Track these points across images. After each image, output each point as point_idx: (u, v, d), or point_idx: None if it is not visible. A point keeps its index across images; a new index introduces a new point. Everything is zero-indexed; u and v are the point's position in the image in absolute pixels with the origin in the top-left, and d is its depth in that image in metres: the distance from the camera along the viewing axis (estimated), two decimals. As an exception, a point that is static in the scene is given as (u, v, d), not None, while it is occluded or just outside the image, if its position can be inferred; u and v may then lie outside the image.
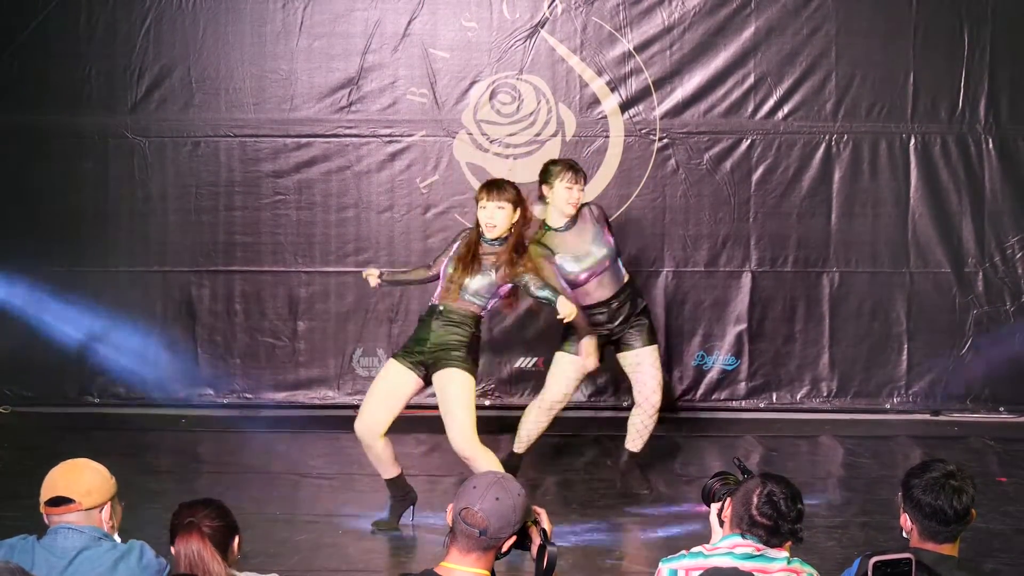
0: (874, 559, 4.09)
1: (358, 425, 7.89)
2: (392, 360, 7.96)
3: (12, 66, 10.49)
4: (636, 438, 8.75)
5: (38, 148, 10.51)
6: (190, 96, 10.53)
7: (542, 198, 8.48)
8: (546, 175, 8.46)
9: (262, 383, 10.62)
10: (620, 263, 8.67)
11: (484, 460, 7.66)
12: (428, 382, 7.88)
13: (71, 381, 10.60)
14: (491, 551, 4.45)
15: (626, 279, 8.67)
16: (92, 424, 10.13)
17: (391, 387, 7.86)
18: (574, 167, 8.47)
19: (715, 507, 5.00)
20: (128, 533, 5.24)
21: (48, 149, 10.50)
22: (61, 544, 4.84)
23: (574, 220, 8.46)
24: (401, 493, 8.04)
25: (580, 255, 8.43)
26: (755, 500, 4.80)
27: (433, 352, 7.79)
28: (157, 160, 10.53)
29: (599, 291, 8.53)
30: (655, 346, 8.77)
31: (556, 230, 8.44)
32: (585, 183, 8.59)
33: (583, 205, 8.52)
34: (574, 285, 8.39)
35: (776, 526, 4.79)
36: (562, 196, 8.39)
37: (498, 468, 7.49)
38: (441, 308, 7.83)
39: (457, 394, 7.72)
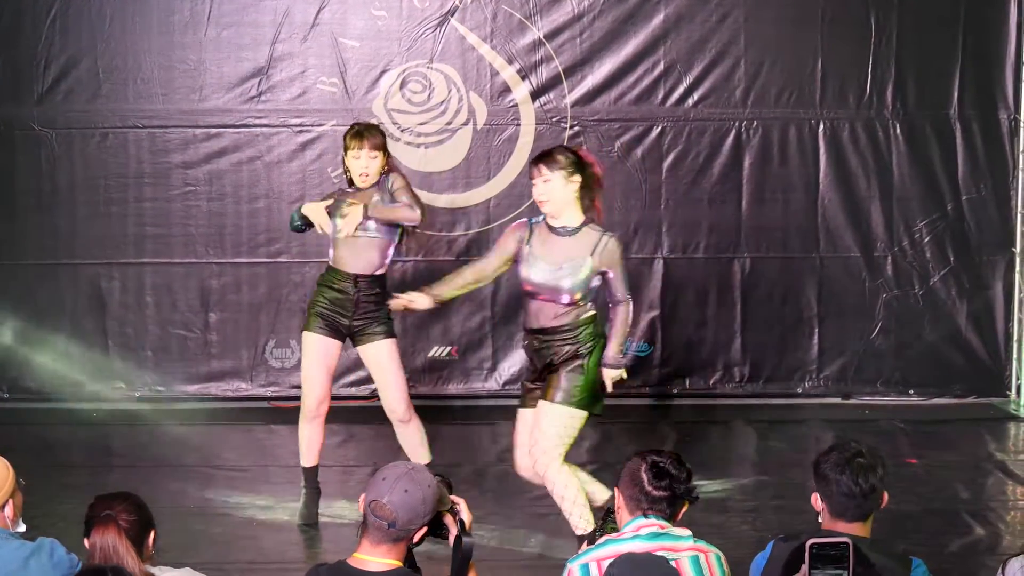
0: (810, 542, 4.12)
1: (309, 402, 7.87)
2: (311, 334, 7.89)
3: (-85, 58, 10.37)
4: None
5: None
6: (97, 87, 10.43)
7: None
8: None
9: (174, 376, 10.55)
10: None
11: (418, 423, 7.99)
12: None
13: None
14: (402, 542, 4.45)
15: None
16: (2, 419, 10.01)
17: (325, 355, 7.90)
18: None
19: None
20: (40, 529, 5.20)
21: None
22: (-36, 544, 4.78)
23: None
24: (315, 484, 8.02)
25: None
26: (644, 477, 4.82)
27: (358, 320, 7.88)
28: (65, 152, 10.43)
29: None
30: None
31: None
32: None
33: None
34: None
35: (674, 492, 4.82)
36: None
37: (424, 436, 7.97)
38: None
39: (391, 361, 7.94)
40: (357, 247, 7.81)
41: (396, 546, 4.44)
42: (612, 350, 7.13)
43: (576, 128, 10.51)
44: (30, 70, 10.39)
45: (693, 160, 10.58)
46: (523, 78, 10.48)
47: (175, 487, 8.55)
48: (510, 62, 10.47)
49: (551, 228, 7.12)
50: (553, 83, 10.48)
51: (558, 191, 7.03)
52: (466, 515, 4.59)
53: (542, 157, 7.11)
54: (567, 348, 7.05)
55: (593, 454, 9.45)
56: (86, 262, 10.47)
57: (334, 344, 7.90)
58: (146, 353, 10.54)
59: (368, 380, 10.38)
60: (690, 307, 10.63)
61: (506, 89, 10.50)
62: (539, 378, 7.17)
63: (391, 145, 10.29)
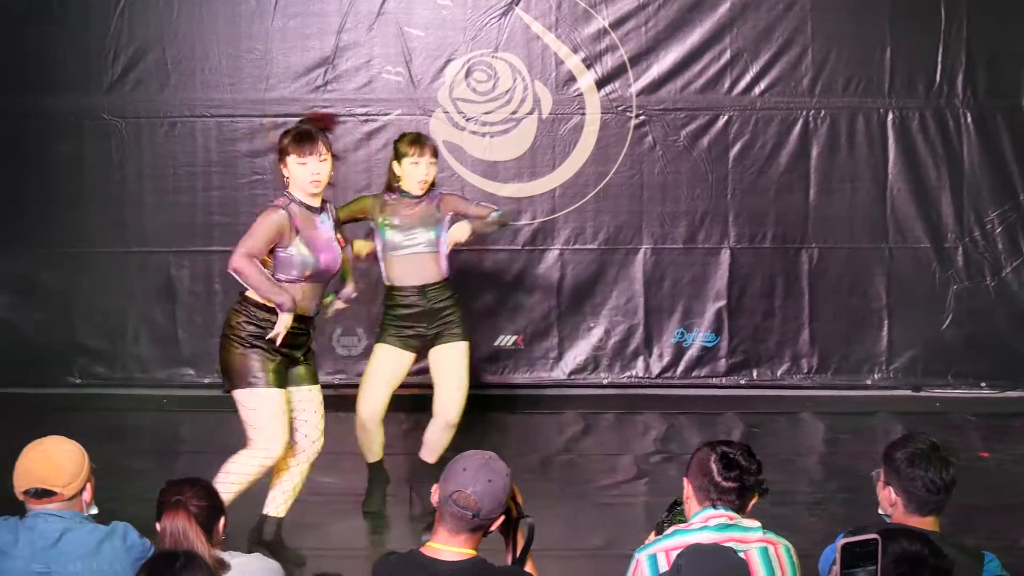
0: (842, 541, 4.09)
1: (363, 409, 7.91)
2: (384, 345, 7.92)
3: (-13, 48, 10.45)
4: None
5: (13, 131, 10.45)
6: (165, 77, 10.48)
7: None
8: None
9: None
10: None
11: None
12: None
13: (52, 362, 10.54)
14: (479, 532, 4.46)
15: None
16: (74, 405, 10.08)
17: (392, 370, 7.90)
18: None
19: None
20: (110, 514, 5.23)
21: (23, 131, 10.43)
22: (42, 527, 4.83)
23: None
24: (382, 476, 8.05)
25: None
26: (714, 468, 4.81)
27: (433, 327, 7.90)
28: (133, 141, 10.49)
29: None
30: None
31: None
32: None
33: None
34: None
35: (743, 484, 4.80)
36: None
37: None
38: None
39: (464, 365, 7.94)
40: (414, 263, 7.83)
41: (474, 536, 4.45)
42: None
43: (642, 117, 10.47)
44: (99, 60, 10.45)
45: (760, 149, 10.52)
46: (588, 67, 10.45)
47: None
48: (575, 51, 10.44)
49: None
50: (618, 72, 10.45)
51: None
52: (519, 497, 4.61)
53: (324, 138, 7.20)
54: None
55: (659, 444, 9.45)
56: (156, 250, 10.53)
57: (407, 357, 7.93)
58: (215, 340, 10.55)
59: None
60: (757, 297, 10.58)
61: (571, 78, 10.48)
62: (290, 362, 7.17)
63: (458, 137, 10.39)
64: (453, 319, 7.89)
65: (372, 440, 7.96)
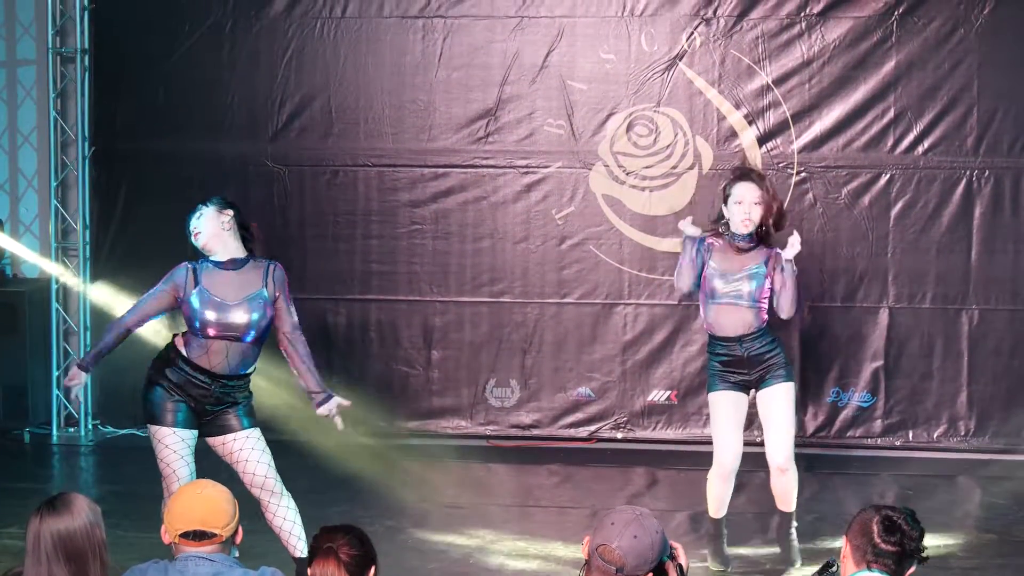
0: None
1: (728, 459, 7.74)
2: (719, 392, 7.79)
3: (157, 93, 10.68)
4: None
5: (179, 175, 10.65)
6: (329, 125, 10.65)
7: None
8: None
9: (395, 412, 10.66)
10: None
11: (795, 473, 7.74)
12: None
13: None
14: (627, 587, 4.43)
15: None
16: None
17: (738, 413, 7.80)
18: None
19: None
20: (261, 558, 5.28)
21: (189, 176, 10.63)
22: (194, 570, 4.84)
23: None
24: (721, 532, 7.99)
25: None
26: (875, 529, 4.75)
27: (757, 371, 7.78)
28: (296, 188, 10.67)
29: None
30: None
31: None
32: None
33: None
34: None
35: (903, 549, 4.74)
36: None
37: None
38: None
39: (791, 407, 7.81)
40: (730, 313, 7.69)
41: (621, 590, 4.43)
42: (312, 385, 7.43)
43: (803, 174, 10.42)
44: (265, 108, 10.66)
45: (922, 208, 10.41)
46: (750, 123, 10.43)
47: (392, 522, 8.64)
48: (737, 107, 10.43)
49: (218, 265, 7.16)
50: (780, 129, 10.41)
51: (211, 226, 7.16)
52: (684, 560, 4.57)
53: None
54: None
55: (810, 504, 9.32)
56: (314, 297, 10.65)
57: (742, 398, 7.80)
58: (368, 388, 10.67)
59: (587, 422, 10.44)
60: (915, 358, 10.45)
61: (732, 134, 10.46)
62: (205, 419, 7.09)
63: (618, 191, 10.39)
64: (775, 361, 7.75)
65: (727, 492, 7.88)
